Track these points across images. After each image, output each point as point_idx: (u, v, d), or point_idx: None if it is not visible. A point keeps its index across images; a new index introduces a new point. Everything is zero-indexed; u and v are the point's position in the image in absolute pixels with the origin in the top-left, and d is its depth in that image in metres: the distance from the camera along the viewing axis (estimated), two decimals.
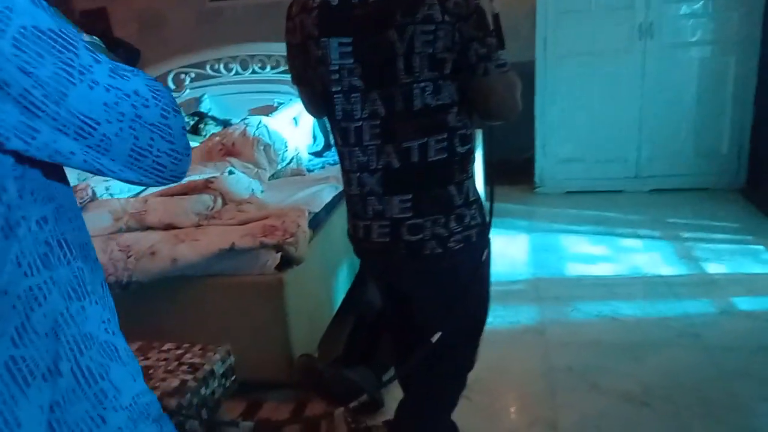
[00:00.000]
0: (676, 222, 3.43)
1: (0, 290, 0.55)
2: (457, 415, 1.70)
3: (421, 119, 1.17)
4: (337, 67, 1.18)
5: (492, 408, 1.95)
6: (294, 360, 1.98)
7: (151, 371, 1.56)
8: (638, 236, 3.30)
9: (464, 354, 1.45)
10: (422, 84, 1.15)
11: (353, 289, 2.59)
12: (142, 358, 1.63)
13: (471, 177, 1.27)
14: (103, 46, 0.71)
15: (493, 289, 1.51)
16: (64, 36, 0.55)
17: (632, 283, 2.76)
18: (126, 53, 0.80)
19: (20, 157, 0.56)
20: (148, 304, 1.96)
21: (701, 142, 3.85)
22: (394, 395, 2.01)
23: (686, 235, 3.24)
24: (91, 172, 0.61)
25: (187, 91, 3.87)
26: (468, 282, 1.29)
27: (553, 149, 4.01)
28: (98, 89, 0.56)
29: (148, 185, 0.65)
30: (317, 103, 1.34)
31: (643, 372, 2.06)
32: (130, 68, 0.62)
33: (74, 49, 0.55)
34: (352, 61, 1.17)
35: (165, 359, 1.61)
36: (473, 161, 1.28)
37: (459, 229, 1.23)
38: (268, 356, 1.98)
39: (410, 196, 1.22)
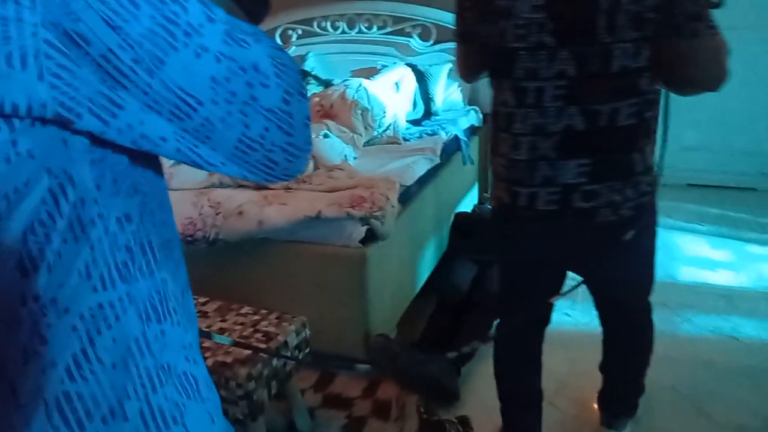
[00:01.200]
0: None
1: (59, 307, 0.43)
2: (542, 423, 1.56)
3: (616, 82, 1.10)
4: (524, 22, 1.10)
5: (579, 419, 1.78)
6: (370, 338, 1.91)
7: (226, 334, 1.54)
8: None
9: (644, 300, 1.46)
10: (623, 44, 1.06)
11: (438, 269, 2.46)
12: (219, 319, 1.61)
13: (653, 143, 1.21)
14: None
15: None
16: None
17: (758, 297, 2.41)
18: (252, 3, 0.59)
19: (97, 138, 0.43)
20: (232, 263, 1.96)
21: None
22: (471, 388, 1.89)
23: None
24: (185, 163, 0.48)
25: (293, 48, 3.84)
26: (636, 244, 1.22)
27: (676, 135, 3.50)
28: (206, 58, 0.42)
29: (253, 181, 0.53)
30: (478, 63, 1.28)
31: (764, 404, 1.79)
32: (252, 29, 0.47)
33: (182, 0, 0.42)
34: (543, 15, 1.08)
35: (241, 324, 1.59)
36: (656, 127, 1.21)
37: (633, 196, 1.18)
38: (344, 330, 1.92)
39: (589, 161, 1.15)
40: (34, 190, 0.41)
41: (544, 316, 1.47)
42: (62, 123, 0.40)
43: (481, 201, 3.23)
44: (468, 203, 3.04)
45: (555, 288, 1.41)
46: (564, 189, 1.17)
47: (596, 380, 1.87)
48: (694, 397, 1.83)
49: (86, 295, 0.44)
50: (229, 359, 1.42)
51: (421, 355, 1.88)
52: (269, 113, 0.47)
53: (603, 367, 1.65)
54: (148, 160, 0.49)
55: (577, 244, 1.25)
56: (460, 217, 2.73)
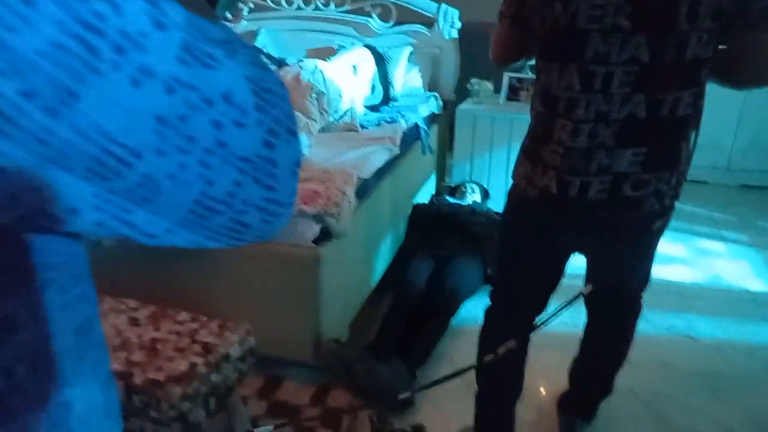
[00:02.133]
0: None
1: None
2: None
3: (685, 71, 1.09)
4: (600, 2, 1.07)
5: (538, 427, 1.72)
6: (322, 342, 1.79)
7: (159, 346, 1.38)
8: (722, 238, 2.93)
9: (639, 298, 1.48)
10: (700, 34, 1.06)
11: (394, 264, 2.36)
12: (152, 328, 1.45)
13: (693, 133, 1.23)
14: None
15: None
16: None
17: (712, 295, 2.42)
18: None
19: None
20: (168, 262, 1.79)
21: None
22: (426, 394, 1.80)
23: None
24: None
25: (244, 22, 3.60)
26: (656, 234, 1.27)
27: None
28: (151, 87, 0.27)
29: (209, 247, 0.36)
30: (526, 46, 1.25)
31: (723, 410, 1.77)
32: (222, 34, 0.31)
33: None
34: None
35: (177, 333, 1.43)
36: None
37: (674, 184, 1.20)
38: (293, 333, 1.79)
39: (644, 150, 1.14)
40: None
41: (542, 307, 1.45)
42: None
43: (438, 192, 3.13)
44: (425, 194, 2.94)
45: (558, 272, 1.40)
46: (615, 178, 1.16)
47: (555, 384, 1.81)
48: (652, 402, 1.80)
49: None
50: (161, 376, 1.27)
51: (376, 360, 1.77)
52: (244, 163, 0.31)
53: (578, 364, 1.64)
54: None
55: (616, 233, 1.24)
56: (419, 209, 2.63)
